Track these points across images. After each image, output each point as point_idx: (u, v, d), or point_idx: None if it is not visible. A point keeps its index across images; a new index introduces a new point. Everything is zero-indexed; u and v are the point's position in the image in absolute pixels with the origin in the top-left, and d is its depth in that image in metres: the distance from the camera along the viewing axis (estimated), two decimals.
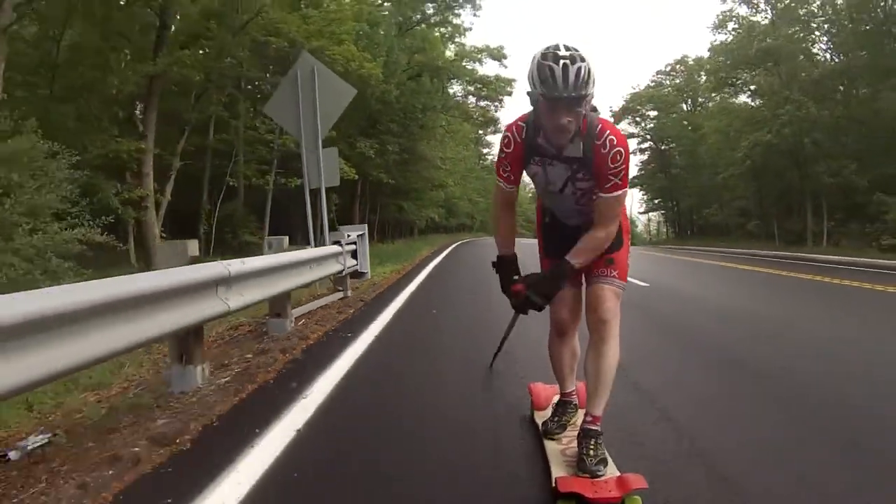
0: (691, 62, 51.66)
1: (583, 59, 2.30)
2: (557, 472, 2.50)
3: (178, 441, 2.96)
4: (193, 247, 4.41)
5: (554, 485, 2.35)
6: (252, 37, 16.79)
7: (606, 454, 2.55)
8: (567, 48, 2.32)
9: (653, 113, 55.99)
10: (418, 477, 2.62)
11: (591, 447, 2.51)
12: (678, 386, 3.99)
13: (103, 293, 2.81)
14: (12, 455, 2.77)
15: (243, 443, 2.92)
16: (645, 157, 58.88)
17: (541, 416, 3.08)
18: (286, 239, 6.51)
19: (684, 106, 53.93)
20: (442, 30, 33.42)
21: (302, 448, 2.92)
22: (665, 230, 66.35)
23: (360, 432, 3.18)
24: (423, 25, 30.54)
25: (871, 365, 4.53)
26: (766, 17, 36.52)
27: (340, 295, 7.94)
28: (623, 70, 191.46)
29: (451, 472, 2.65)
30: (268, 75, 19.45)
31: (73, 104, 13.70)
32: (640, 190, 63.71)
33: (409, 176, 29.00)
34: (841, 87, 31.42)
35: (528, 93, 2.44)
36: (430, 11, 30.31)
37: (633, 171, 61.17)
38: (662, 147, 55.72)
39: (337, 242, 7.67)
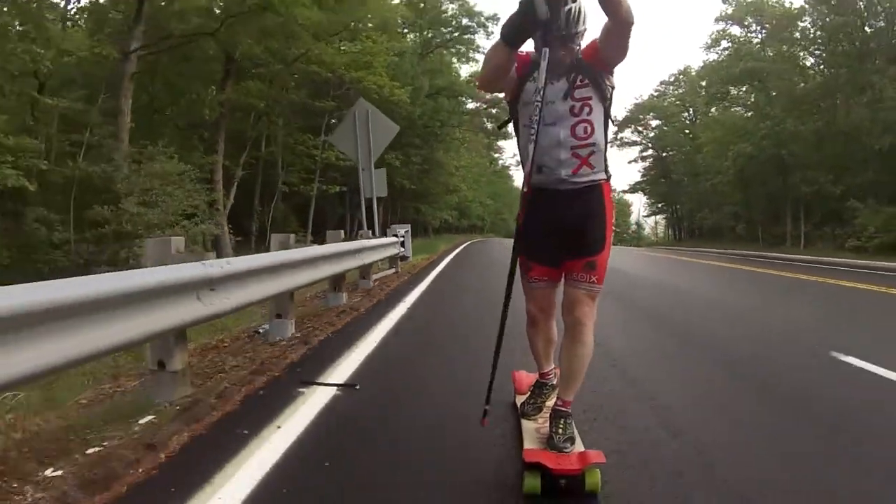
0: (693, 73, 54.46)
1: (574, 0, 2.56)
2: (529, 446, 2.72)
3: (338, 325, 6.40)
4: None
5: (522, 457, 2.55)
6: (301, 68, 20.31)
7: (575, 433, 2.76)
8: None
9: (655, 122, 59.22)
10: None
11: (561, 426, 2.70)
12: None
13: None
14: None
15: (380, 316, 6.37)
16: (647, 163, 62.12)
17: (521, 399, 3.32)
18: (341, 233, 9.75)
19: (686, 115, 56.79)
20: (457, 48, 36.95)
21: (409, 318, 6.40)
22: (668, 233, 69.54)
23: (423, 330, 6.66)
24: (442, 50, 34.17)
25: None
26: (757, 37, 39.96)
27: (393, 271, 11.45)
28: (629, 80, 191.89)
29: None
30: (314, 101, 22.99)
31: (172, 128, 17.28)
32: (644, 195, 67.13)
33: (427, 182, 32.49)
34: (821, 104, 34.50)
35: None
36: (448, 37, 33.91)
37: (636, 176, 64.44)
38: (663, 154, 58.86)
39: (395, 235, 11.23)
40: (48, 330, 2.43)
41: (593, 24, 2.68)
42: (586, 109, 2.67)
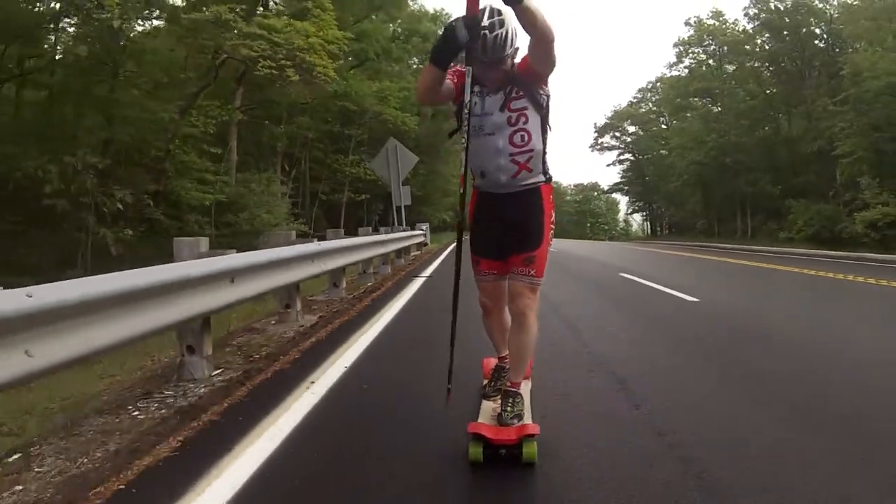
0: (667, 81, 59.71)
1: (501, 25, 2.72)
2: (482, 420, 2.99)
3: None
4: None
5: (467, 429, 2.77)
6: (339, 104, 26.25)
7: (524, 411, 3.01)
8: (491, 15, 2.71)
9: (632, 128, 65.18)
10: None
11: (510, 404, 2.95)
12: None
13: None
14: None
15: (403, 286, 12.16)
16: (624, 166, 68.23)
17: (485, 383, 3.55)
18: (342, 231, 15.47)
19: (662, 121, 62.08)
20: None
21: (437, 270, 12.19)
22: (645, 228, 75.58)
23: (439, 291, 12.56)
24: None
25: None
26: (715, 56, 45.92)
27: (418, 252, 17.44)
28: (609, 87, 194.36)
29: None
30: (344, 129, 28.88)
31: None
32: (623, 195, 73.47)
33: (429, 188, 38.21)
34: (771, 113, 40.27)
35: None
36: None
37: (616, 178, 70.37)
38: (639, 157, 64.87)
39: (421, 229, 17.26)
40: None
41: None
42: (522, 119, 2.89)
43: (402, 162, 17.51)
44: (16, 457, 2.88)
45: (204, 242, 4.38)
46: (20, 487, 2.54)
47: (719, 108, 43.13)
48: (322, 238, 8.16)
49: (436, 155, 35.15)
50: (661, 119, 62.06)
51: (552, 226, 3.15)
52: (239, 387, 3.90)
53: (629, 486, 2.51)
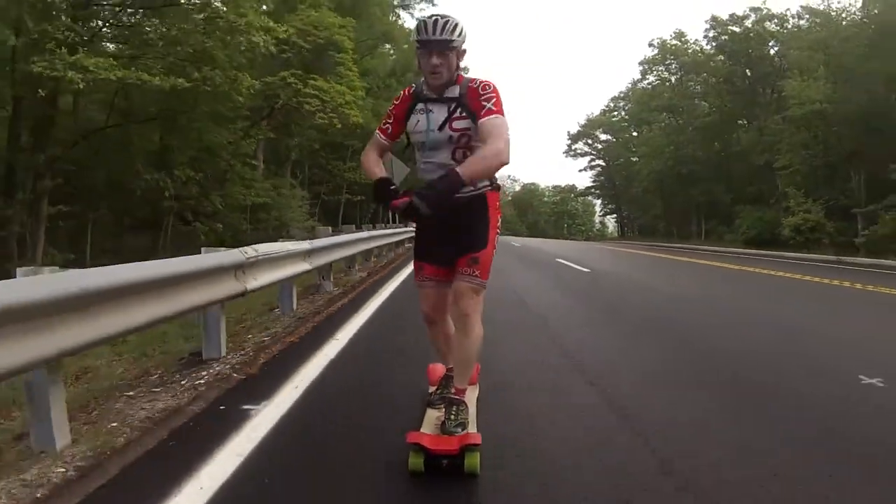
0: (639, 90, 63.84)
1: (454, 19, 2.87)
2: (425, 430, 2.93)
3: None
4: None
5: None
6: None
7: (468, 420, 2.98)
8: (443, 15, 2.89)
9: (604, 136, 69.52)
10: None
11: (454, 413, 2.94)
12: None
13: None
14: None
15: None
16: (595, 171, 72.62)
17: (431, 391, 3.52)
18: (329, 229, 19.27)
19: (633, 128, 65.10)
20: None
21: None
22: (617, 230, 79.93)
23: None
24: None
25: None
26: (677, 72, 50.24)
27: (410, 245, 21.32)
28: (589, 89, 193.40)
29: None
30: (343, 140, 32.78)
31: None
32: (595, 198, 78.20)
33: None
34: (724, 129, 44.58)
35: (416, 51, 2.97)
36: None
37: (587, 181, 74.68)
38: (610, 163, 69.16)
39: (411, 226, 21.24)
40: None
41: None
42: (464, 139, 2.93)
43: (396, 171, 21.28)
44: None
45: (324, 230, 8.48)
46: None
47: (680, 121, 47.40)
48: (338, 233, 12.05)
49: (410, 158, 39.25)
50: (632, 127, 65.08)
51: (497, 231, 3.12)
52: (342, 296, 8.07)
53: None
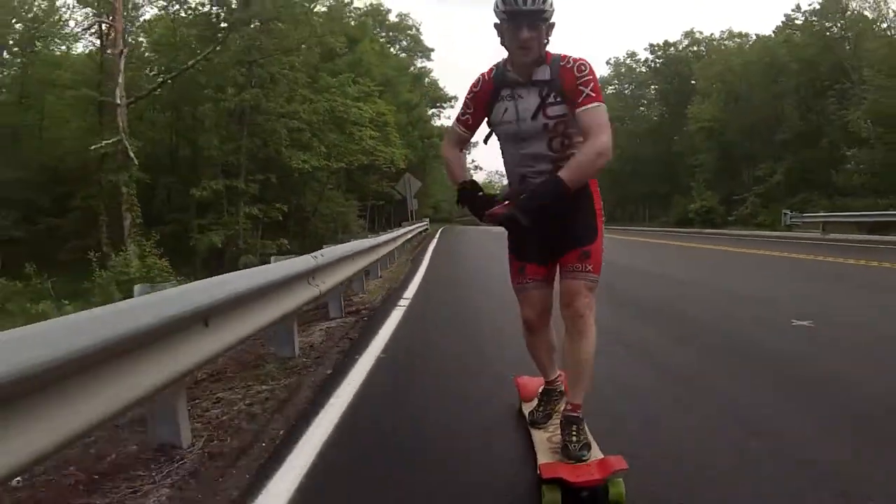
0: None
1: None
2: (543, 458, 2.53)
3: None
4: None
5: (538, 472, 2.40)
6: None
7: (590, 439, 2.59)
8: None
9: None
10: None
11: (574, 433, 2.53)
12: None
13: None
14: None
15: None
16: None
17: (528, 408, 3.10)
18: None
19: None
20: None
21: (440, 241, 27.25)
22: None
23: (446, 242, 27.62)
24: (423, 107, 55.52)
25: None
26: (627, 87, 61.41)
27: (424, 235, 32.43)
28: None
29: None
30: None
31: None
32: None
33: (418, 195, 53.65)
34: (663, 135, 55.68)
35: (495, 24, 2.58)
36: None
37: None
38: None
39: (424, 222, 32.29)
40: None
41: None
42: (560, 127, 2.59)
43: (412, 185, 32.14)
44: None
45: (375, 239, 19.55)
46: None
47: (630, 127, 58.54)
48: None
49: (423, 173, 50.26)
50: None
51: (603, 218, 2.77)
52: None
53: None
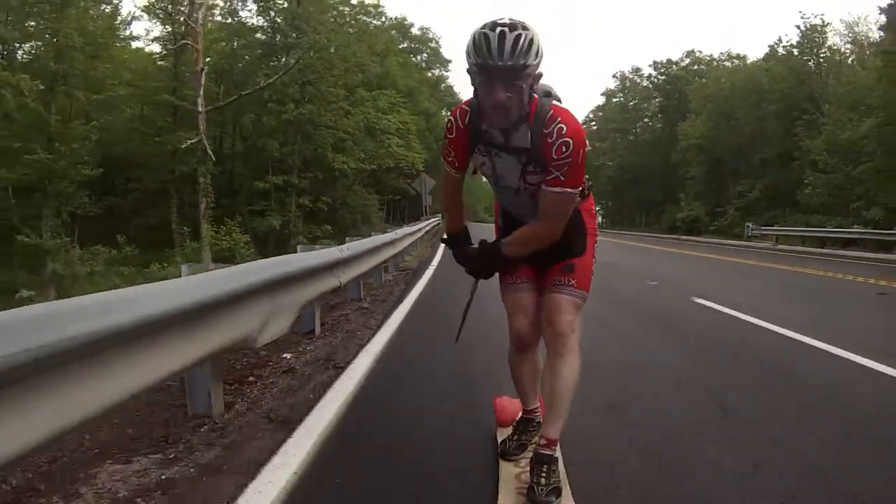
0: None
1: (525, 28, 2.06)
2: (504, 500, 2.34)
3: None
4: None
5: None
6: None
7: (561, 482, 2.38)
8: (510, 19, 2.08)
9: None
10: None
11: (544, 474, 2.31)
12: None
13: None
14: None
15: None
16: None
17: (503, 434, 2.88)
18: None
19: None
20: None
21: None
22: None
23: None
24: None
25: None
26: (631, 99, 65.59)
27: (438, 228, 36.80)
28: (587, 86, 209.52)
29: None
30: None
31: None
32: None
33: (434, 193, 58.09)
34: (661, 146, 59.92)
35: (468, 70, 2.16)
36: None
37: None
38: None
39: (437, 218, 36.79)
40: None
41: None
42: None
43: (427, 184, 36.42)
44: None
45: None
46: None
47: (630, 138, 62.84)
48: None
49: (437, 172, 54.76)
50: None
51: (596, 238, 2.63)
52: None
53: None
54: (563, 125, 2.21)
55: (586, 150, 2.27)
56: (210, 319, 3.03)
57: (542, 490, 2.27)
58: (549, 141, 2.21)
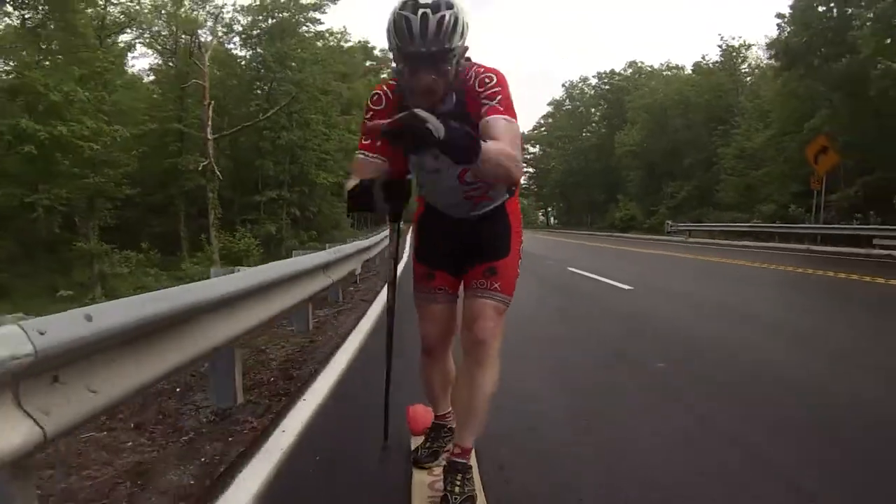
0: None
1: (449, 7, 1.91)
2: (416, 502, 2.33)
3: None
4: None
5: None
6: None
7: (475, 490, 2.33)
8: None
9: (532, 149, 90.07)
10: None
11: (458, 482, 2.27)
12: None
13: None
14: None
15: None
16: (526, 175, 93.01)
17: (417, 442, 2.82)
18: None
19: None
20: None
21: None
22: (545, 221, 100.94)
23: None
24: None
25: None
26: (578, 108, 71.30)
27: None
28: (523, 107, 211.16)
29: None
30: None
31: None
32: (524, 197, 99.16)
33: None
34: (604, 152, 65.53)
35: (389, 48, 2.02)
36: None
37: (522, 182, 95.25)
38: (538, 169, 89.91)
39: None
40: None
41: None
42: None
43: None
44: None
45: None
46: None
47: (578, 143, 68.45)
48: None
49: None
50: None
51: (521, 239, 2.48)
52: None
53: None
54: (479, 69, 2.10)
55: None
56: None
57: (455, 499, 2.22)
58: (471, 83, 2.07)
